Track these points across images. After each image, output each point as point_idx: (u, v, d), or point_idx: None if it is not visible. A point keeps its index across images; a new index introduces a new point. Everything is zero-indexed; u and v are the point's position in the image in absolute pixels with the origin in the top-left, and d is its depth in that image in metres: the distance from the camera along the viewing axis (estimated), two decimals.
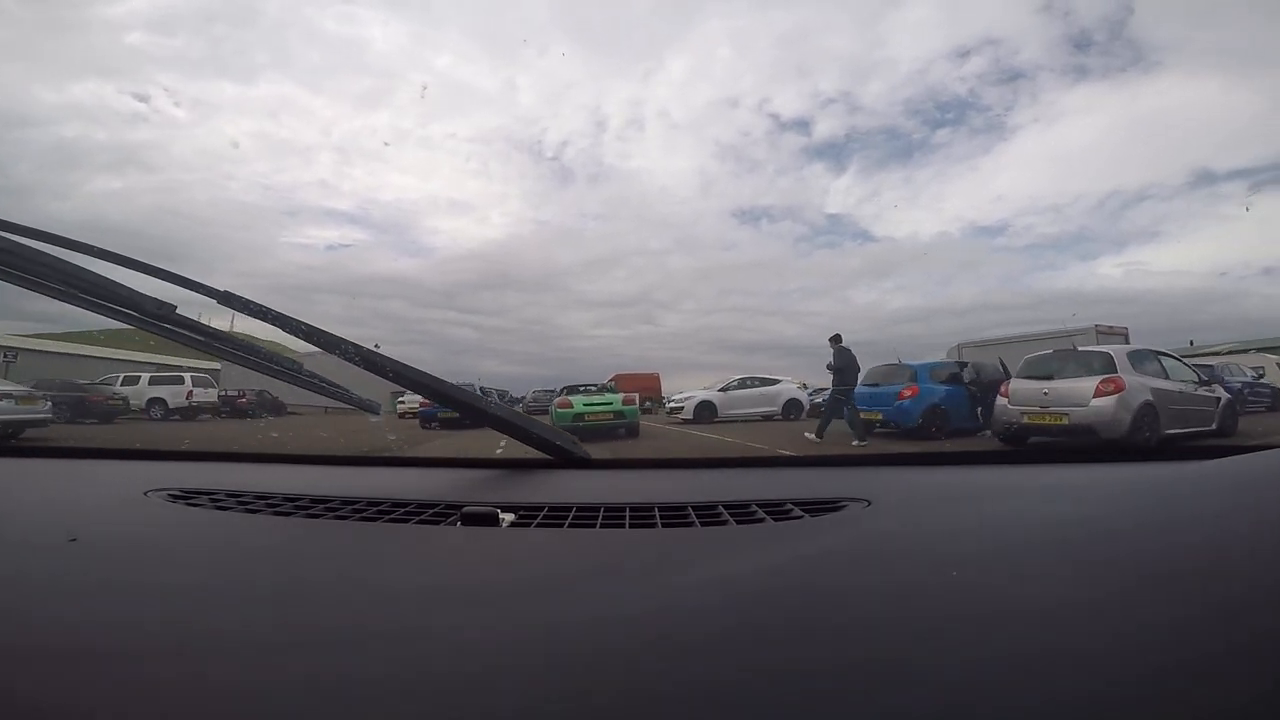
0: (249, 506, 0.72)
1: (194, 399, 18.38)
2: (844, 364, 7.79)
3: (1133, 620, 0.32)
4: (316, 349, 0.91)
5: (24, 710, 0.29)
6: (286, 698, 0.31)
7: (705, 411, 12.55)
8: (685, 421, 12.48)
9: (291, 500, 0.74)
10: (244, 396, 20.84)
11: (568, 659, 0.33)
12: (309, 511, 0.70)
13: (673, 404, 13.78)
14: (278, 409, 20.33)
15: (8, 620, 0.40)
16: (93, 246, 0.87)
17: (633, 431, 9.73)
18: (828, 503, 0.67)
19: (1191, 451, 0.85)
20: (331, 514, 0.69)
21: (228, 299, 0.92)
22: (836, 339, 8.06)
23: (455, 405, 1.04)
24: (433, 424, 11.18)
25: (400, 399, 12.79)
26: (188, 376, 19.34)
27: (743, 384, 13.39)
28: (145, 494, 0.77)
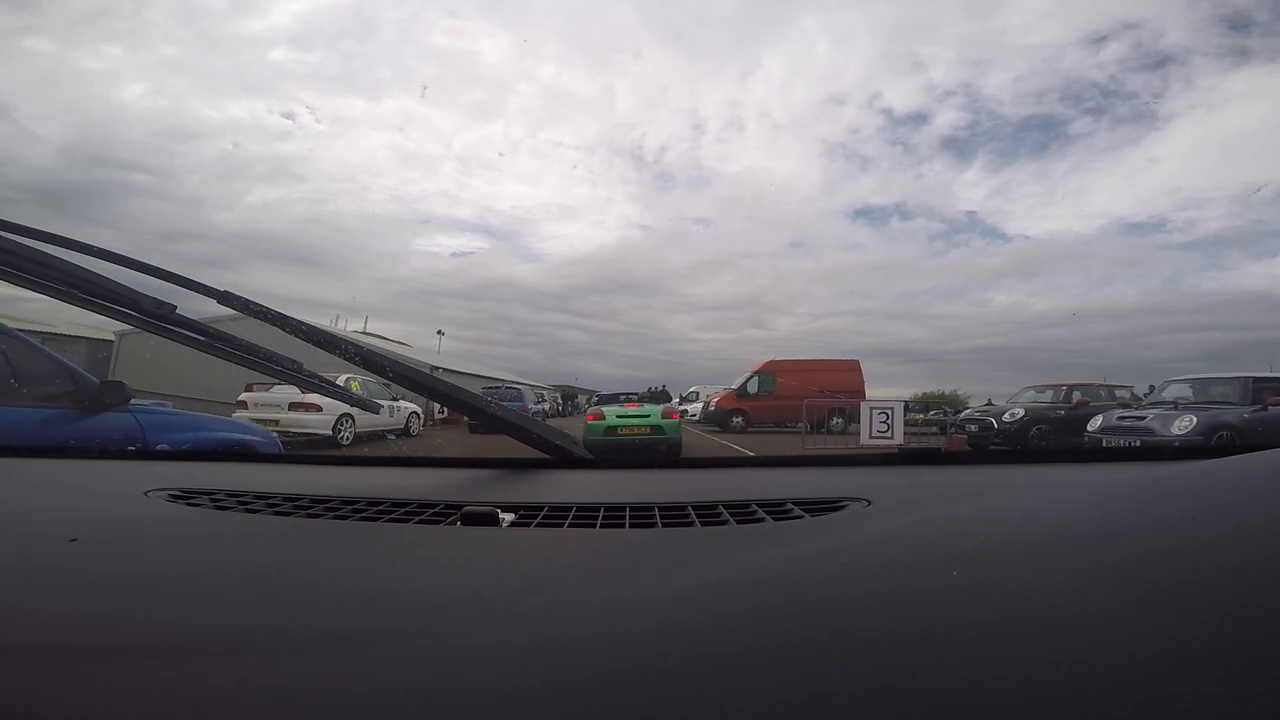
0: (249, 506, 0.72)
1: None
2: None
3: (1134, 620, 0.32)
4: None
5: (24, 710, 0.29)
6: (287, 698, 0.31)
7: None
8: None
9: (291, 500, 0.74)
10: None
11: (568, 659, 0.34)
12: (309, 511, 0.70)
13: None
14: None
15: (8, 620, 0.40)
16: (92, 246, 0.87)
17: (674, 450, 8.19)
18: (828, 503, 0.67)
19: (1191, 451, 0.85)
20: (331, 514, 0.69)
21: (227, 299, 0.92)
22: None
23: (457, 406, 1.04)
24: None
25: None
26: None
27: None
28: (145, 494, 0.77)
